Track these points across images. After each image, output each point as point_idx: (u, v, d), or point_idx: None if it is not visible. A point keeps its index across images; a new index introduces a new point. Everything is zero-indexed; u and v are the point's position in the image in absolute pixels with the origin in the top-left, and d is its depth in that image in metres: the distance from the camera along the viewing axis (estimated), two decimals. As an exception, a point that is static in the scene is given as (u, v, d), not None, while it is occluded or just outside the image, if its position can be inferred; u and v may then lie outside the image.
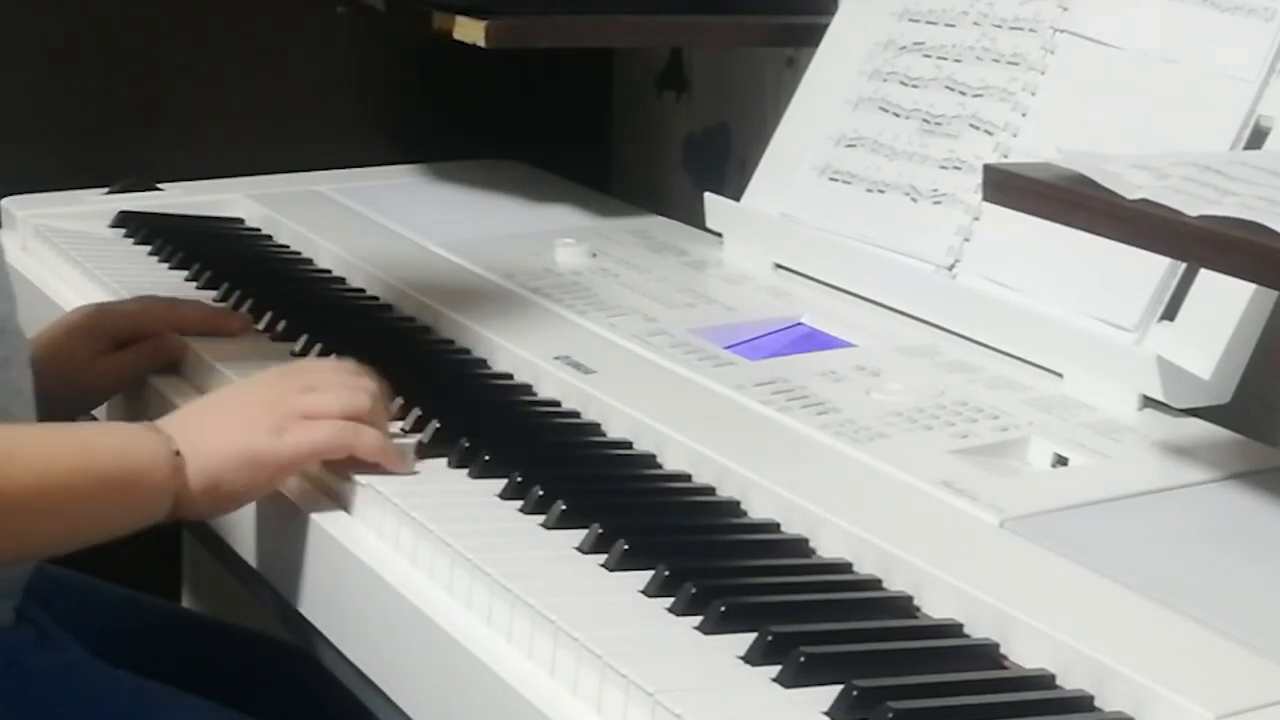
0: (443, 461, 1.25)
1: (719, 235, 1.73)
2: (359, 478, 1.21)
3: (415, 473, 1.23)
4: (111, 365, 1.45)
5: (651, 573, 1.06)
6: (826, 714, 0.93)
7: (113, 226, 1.83)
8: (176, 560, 2.12)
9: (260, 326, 1.53)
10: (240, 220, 1.89)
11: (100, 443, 1.19)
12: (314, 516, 1.22)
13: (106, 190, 1.93)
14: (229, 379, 1.37)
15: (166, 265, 1.72)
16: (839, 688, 0.93)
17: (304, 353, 1.46)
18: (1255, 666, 0.97)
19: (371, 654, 1.16)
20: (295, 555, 1.24)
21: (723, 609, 1.01)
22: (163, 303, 1.51)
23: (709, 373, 1.39)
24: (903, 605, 1.07)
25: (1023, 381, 1.37)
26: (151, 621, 1.53)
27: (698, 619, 1.02)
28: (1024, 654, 1.00)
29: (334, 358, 1.36)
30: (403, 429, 1.29)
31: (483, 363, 1.46)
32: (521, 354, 1.43)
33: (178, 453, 1.18)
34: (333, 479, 1.23)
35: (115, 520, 1.19)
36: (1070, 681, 0.97)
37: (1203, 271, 1.31)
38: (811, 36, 1.73)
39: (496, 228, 1.83)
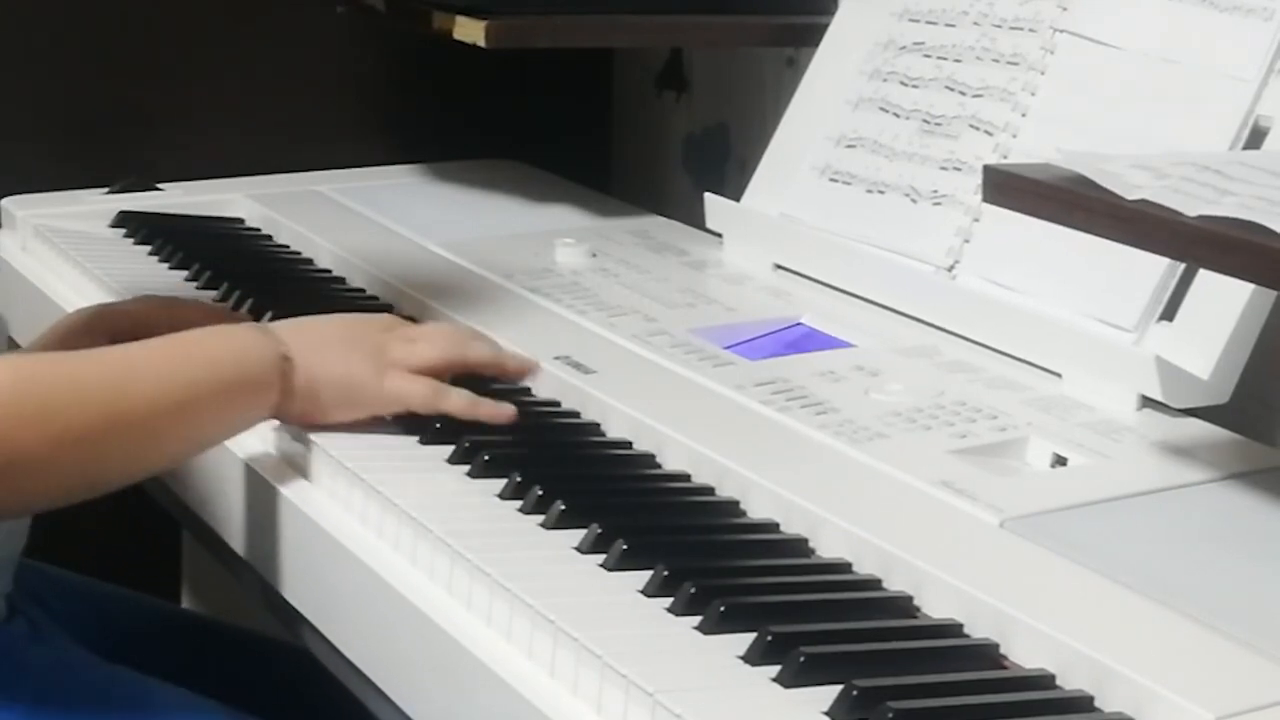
0: (443, 461, 1.25)
1: (719, 235, 1.73)
2: (360, 475, 1.20)
3: (514, 419, 1.28)
4: None
5: (651, 573, 1.06)
6: (826, 714, 0.93)
7: (113, 226, 1.83)
8: (176, 560, 2.12)
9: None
10: (240, 220, 1.89)
11: (216, 352, 1.23)
12: (313, 516, 1.22)
13: (106, 190, 1.93)
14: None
15: (166, 265, 1.72)
16: (839, 688, 0.93)
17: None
18: (1255, 666, 0.97)
19: (371, 654, 1.16)
20: (294, 554, 1.24)
21: (722, 609, 1.01)
22: (163, 302, 1.51)
23: (709, 373, 1.39)
24: (903, 605, 1.07)
25: (1022, 381, 1.37)
26: (151, 622, 1.53)
27: (697, 619, 1.02)
28: (1024, 654, 1.00)
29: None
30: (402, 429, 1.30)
31: (483, 363, 1.46)
32: (521, 354, 1.43)
33: (286, 356, 1.23)
34: (333, 477, 1.23)
35: (232, 423, 1.25)
36: (1070, 681, 0.97)
37: (1202, 271, 1.31)
38: (811, 36, 1.73)
39: (496, 228, 1.83)
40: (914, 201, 1.56)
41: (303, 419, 1.27)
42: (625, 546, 1.09)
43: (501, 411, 1.28)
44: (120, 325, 1.47)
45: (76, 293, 1.64)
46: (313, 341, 1.26)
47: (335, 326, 1.31)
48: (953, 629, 1.03)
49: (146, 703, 1.28)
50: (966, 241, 1.50)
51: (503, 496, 1.19)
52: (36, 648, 1.28)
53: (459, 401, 1.28)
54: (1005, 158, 1.49)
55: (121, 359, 1.19)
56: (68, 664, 1.28)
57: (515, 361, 1.37)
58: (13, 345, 1.52)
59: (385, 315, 1.38)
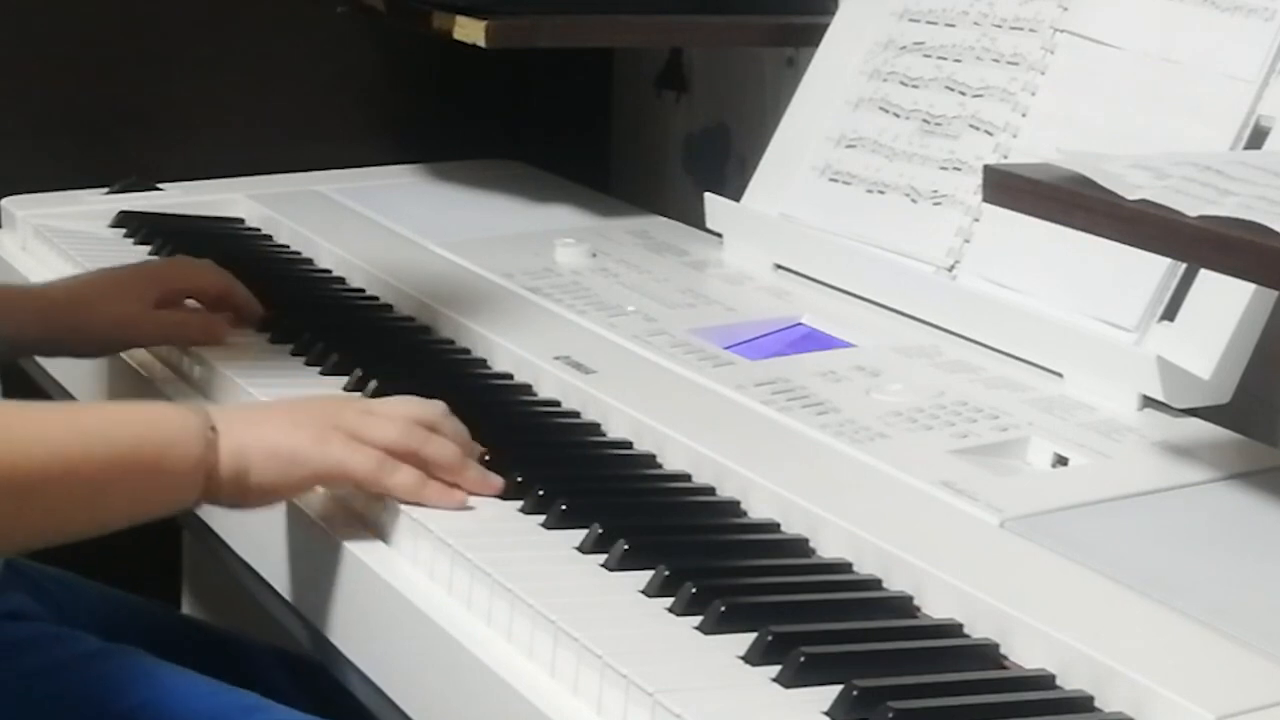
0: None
1: (719, 235, 1.73)
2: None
3: (468, 507, 1.18)
4: (153, 318, 1.46)
5: (651, 573, 1.06)
6: (826, 714, 0.93)
7: (113, 226, 1.83)
8: (176, 563, 2.12)
9: (260, 327, 1.53)
10: (240, 220, 1.89)
11: (127, 416, 1.16)
12: (313, 516, 1.21)
13: (106, 190, 1.93)
14: (231, 381, 1.38)
15: (166, 265, 1.72)
16: (839, 688, 0.93)
17: (302, 351, 1.46)
18: (1255, 666, 0.97)
19: (371, 654, 1.16)
20: (294, 555, 1.24)
21: (723, 609, 1.01)
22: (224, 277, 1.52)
23: (709, 373, 1.39)
24: (903, 605, 1.07)
25: (1023, 382, 1.37)
26: (151, 623, 1.53)
27: (698, 619, 1.02)
28: (1024, 654, 1.00)
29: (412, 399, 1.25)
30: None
31: (483, 363, 1.46)
32: (521, 354, 1.43)
33: (213, 429, 1.14)
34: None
35: (143, 501, 1.15)
36: (1070, 681, 0.97)
37: (1203, 271, 1.31)
38: (811, 36, 1.73)
39: (496, 228, 1.83)
40: (914, 201, 1.56)
41: (237, 502, 1.17)
42: (626, 547, 1.09)
43: (452, 497, 1.18)
44: (173, 282, 1.49)
45: (76, 293, 1.64)
46: (246, 420, 1.17)
47: (279, 404, 1.24)
48: (953, 629, 1.03)
49: (141, 672, 1.28)
50: (967, 241, 1.50)
51: (503, 497, 1.19)
52: (21, 626, 1.29)
53: (406, 481, 1.17)
54: (1005, 158, 1.49)
55: (22, 412, 1.12)
56: (57, 637, 1.29)
57: (476, 474, 1.20)
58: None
59: (344, 394, 1.30)
